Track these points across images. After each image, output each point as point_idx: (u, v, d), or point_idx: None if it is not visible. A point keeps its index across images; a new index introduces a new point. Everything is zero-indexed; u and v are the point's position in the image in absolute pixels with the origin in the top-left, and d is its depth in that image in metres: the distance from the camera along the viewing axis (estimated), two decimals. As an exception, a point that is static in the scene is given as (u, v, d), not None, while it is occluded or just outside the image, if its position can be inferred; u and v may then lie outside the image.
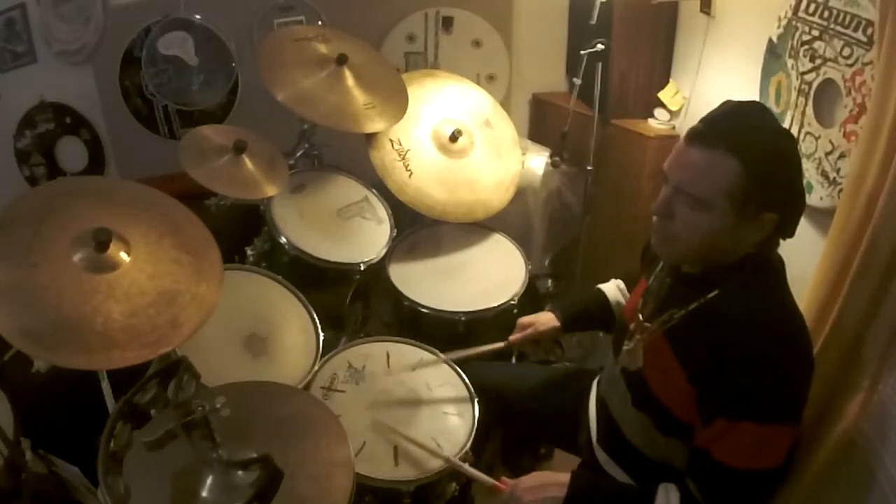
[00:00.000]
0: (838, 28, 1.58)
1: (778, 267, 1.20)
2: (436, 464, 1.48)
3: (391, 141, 2.10)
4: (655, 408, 1.23)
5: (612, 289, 1.69)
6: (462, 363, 1.72)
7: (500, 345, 1.72)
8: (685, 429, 1.19)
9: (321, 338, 1.72)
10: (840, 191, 1.57)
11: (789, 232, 1.17)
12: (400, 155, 2.09)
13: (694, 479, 1.16)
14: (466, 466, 1.44)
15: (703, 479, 1.14)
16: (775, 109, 1.85)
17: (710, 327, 1.14)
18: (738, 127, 1.10)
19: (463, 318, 1.92)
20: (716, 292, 1.16)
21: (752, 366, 1.08)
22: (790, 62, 1.78)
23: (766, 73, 1.89)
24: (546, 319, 1.68)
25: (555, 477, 1.28)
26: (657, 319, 1.24)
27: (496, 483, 1.35)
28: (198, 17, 2.45)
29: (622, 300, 1.66)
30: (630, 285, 1.68)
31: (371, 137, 2.08)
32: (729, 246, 1.15)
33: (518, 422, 1.72)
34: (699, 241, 1.14)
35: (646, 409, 1.27)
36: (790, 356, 1.11)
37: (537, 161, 2.55)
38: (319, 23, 2.58)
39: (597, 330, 1.80)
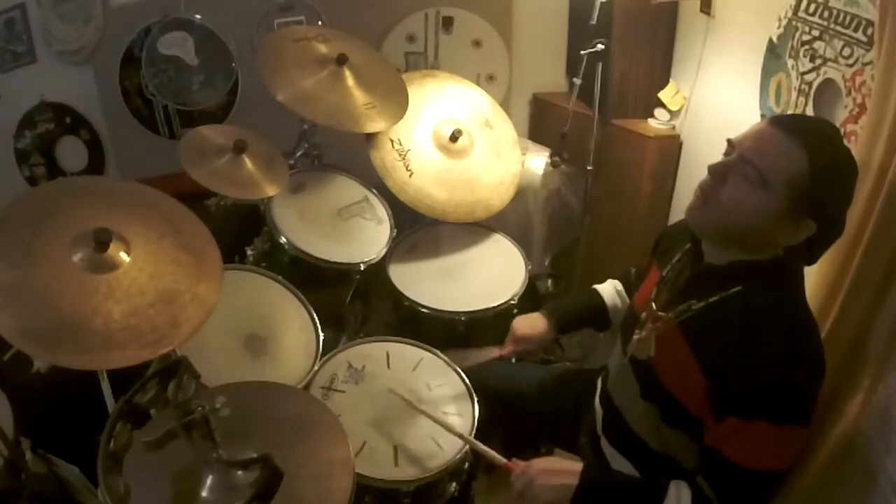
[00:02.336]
0: (838, 28, 1.58)
1: (798, 274, 1.21)
2: (436, 463, 1.48)
3: (391, 141, 2.10)
4: (664, 399, 1.23)
5: (610, 291, 1.69)
6: (462, 363, 1.73)
7: (495, 353, 1.71)
8: (693, 422, 1.19)
9: (321, 338, 1.72)
10: (840, 191, 1.57)
11: (815, 253, 1.18)
12: (400, 155, 2.09)
13: (705, 477, 1.16)
14: (479, 444, 1.44)
15: (715, 478, 1.14)
16: (775, 109, 1.85)
17: (730, 323, 1.15)
18: (820, 132, 1.14)
19: (463, 318, 1.92)
20: (738, 288, 1.16)
21: (769, 366, 1.09)
22: (790, 62, 1.78)
23: (767, 73, 1.89)
24: (541, 330, 1.68)
25: (568, 464, 1.28)
26: (673, 309, 1.24)
27: (507, 462, 1.35)
28: (198, 17, 2.45)
29: (619, 303, 1.67)
30: (628, 283, 1.68)
31: (371, 137, 2.08)
32: (762, 236, 1.15)
33: (518, 422, 1.72)
34: (739, 217, 1.13)
35: (654, 400, 1.27)
36: (807, 359, 1.12)
37: (537, 161, 2.55)
38: (319, 23, 2.57)
39: (590, 328, 1.79)
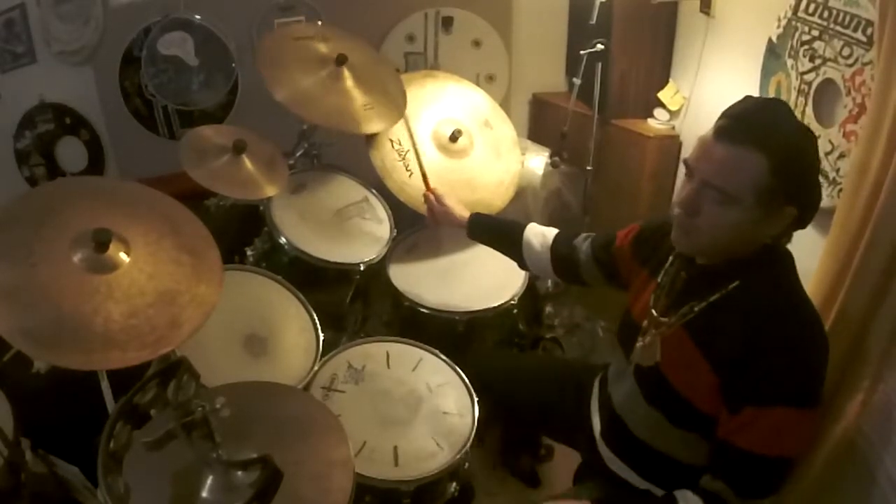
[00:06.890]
0: (838, 28, 1.58)
1: (788, 256, 1.22)
2: (436, 463, 1.48)
3: (391, 141, 2.10)
4: (673, 402, 1.24)
5: (536, 231, 1.67)
6: (460, 360, 1.72)
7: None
8: (704, 421, 1.20)
9: (321, 338, 1.72)
10: (840, 190, 1.57)
11: (805, 224, 1.19)
12: (400, 155, 2.09)
13: (721, 474, 1.16)
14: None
15: (728, 471, 1.15)
16: (775, 109, 1.85)
17: (735, 317, 1.16)
18: (764, 123, 1.12)
19: (463, 319, 1.92)
20: (737, 283, 1.17)
21: (779, 352, 1.10)
22: (790, 62, 1.78)
23: (766, 73, 1.89)
24: (457, 217, 1.80)
25: None
26: (675, 313, 1.25)
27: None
28: (198, 17, 2.45)
29: (537, 246, 1.64)
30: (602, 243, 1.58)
31: (371, 137, 2.07)
32: (749, 239, 1.16)
33: (520, 415, 1.72)
34: (723, 234, 1.15)
35: (661, 404, 1.27)
36: (812, 340, 1.14)
37: (537, 161, 2.55)
38: (319, 23, 2.57)
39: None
